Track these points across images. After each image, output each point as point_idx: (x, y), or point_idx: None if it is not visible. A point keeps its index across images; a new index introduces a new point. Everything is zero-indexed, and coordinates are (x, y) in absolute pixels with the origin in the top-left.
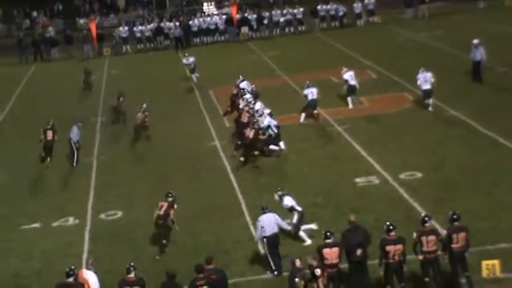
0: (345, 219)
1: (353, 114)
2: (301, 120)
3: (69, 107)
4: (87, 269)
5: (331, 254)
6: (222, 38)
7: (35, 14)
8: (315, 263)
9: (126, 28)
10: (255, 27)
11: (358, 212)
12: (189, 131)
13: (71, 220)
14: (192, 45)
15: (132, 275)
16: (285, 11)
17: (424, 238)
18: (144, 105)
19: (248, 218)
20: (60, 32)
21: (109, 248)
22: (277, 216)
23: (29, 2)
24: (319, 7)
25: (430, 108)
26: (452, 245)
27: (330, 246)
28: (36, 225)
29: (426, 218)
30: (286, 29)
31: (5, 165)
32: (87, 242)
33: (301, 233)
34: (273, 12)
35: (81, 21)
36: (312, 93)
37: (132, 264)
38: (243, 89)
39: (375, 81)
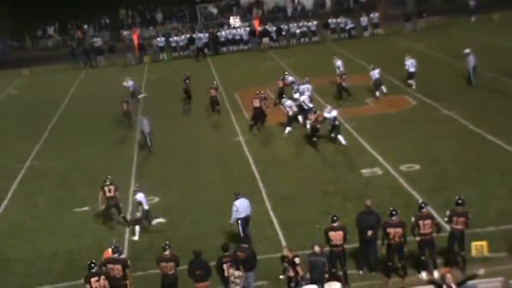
0: (351, 205)
1: (360, 113)
2: (377, 95)
3: (113, 106)
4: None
5: (336, 236)
6: (246, 47)
7: (85, 26)
8: (290, 254)
9: (163, 38)
10: (274, 37)
11: (362, 198)
12: (217, 128)
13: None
14: (220, 53)
15: (167, 252)
16: (300, 24)
17: (421, 222)
18: (215, 82)
19: (268, 204)
20: (107, 43)
21: (147, 228)
22: (248, 201)
23: (81, 16)
24: (330, 20)
25: (414, 86)
26: (452, 226)
27: (336, 229)
28: (86, 208)
29: (423, 205)
30: (302, 40)
31: (61, 156)
32: None
33: (137, 228)
34: (290, 24)
35: (125, 32)
36: (374, 74)
37: (167, 242)
38: (294, 82)
39: None
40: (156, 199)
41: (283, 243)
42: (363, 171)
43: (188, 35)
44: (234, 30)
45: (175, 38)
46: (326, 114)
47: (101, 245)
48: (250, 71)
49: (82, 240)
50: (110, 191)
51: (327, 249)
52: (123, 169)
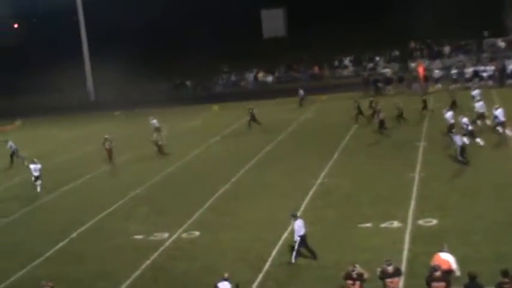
0: None
1: None
2: None
3: (401, 130)
4: (441, 251)
5: None
6: None
7: (377, 58)
8: None
9: (439, 71)
10: None
11: None
12: (494, 155)
13: (395, 223)
14: (506, 85)
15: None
16: None
17: None
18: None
19: None
20: (396, 73)
21: (425, 248)
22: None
23: (373, 49)
24: None
25: None
26: None
27: None
28: (369, 224)
29: None
30: None
31: (349, 175)
32: (407, 242)
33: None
34: None
35: (412, 64)
36: None
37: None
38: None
39: None
40: (434, 221)
41: None
42: None
43: (472, 68)
44: None
45: (456, 70)
46: None
47: (380, 260)
48: None
49: (364, 254)
50: (109, 146)
51: None
52: (404, 191)
